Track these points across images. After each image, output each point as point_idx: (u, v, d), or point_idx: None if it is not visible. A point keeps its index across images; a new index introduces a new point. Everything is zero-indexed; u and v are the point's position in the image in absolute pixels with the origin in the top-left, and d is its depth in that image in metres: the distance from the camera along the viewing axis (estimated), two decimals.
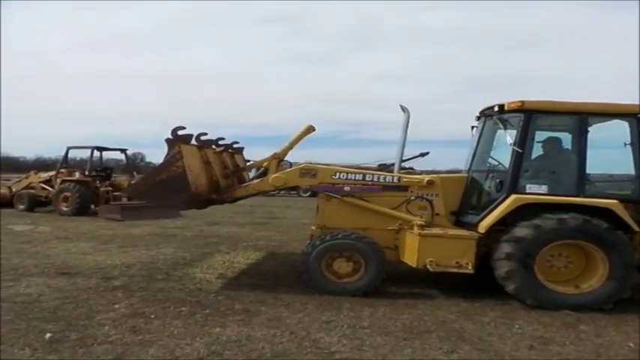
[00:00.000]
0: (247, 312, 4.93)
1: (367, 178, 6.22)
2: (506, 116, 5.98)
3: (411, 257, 5.83)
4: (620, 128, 5.96)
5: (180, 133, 5.63)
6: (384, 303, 5.41)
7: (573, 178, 5.71)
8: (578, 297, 5.44)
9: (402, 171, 6.90)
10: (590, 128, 5.92)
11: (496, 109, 6.07)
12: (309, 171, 6.22)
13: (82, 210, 13.61)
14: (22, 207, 14.52)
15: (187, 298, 5.34)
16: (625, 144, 5.83)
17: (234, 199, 6.65)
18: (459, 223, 6.24)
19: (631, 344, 4.34)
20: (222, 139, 7.17)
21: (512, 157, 5.79)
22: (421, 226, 5.83)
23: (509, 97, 5.96)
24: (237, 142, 7.75)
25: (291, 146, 6.60)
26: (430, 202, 6.16)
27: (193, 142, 6.00)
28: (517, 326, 4.78)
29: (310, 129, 6.61)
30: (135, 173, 16.33)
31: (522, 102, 5.75)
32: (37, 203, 14.66)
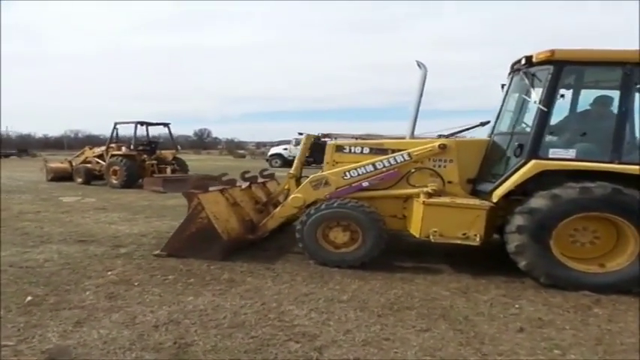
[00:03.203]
0: (232, 282, 4.84)
1: (379, 166, 5.77)
2: (533, 69, 5.24)
3: (415, 227, 5.42)
4: None
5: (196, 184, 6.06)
6: (379, 276, 5.09)
7: (608, 142, 4.94)
8: (602, 277, 4.77)
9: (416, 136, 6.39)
10: None
11: (523, 61, 5.36)
12: (319, 181, 5.89)
13: (130, 182, 14.31)
14: (80, 180, 15.55)
15: (180, 267, 5.34)
16: None
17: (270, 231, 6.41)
18: (476, 192, 5.69)
19: None
20: (248, 172, 7.17)
21: (536, 117, 5.11)
22: (428, 195, 5.38)
23: None
24: (266, 170, 7.90)
25: (300, 161, 6.41)
26: (436, 170, 5.66)
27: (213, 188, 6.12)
28: (517, 306, 4.29)
29: (310, 137, 6.40)
30: (179, 147, 16.81)
31: (552, 51, 4.99)
32: (93, 176, 15.61)
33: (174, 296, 4.36)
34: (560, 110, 5.39)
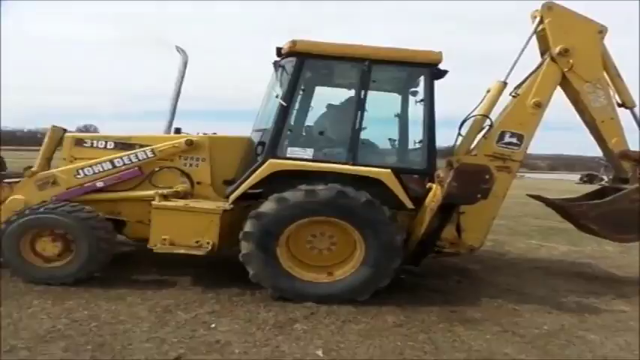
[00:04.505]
0: None
1: (117, 164, 4.96)
2: (283, 61, 4.84)
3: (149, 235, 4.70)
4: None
5: None
6: (86, 295, 4.30)
7: (345, 142, 4.66)
8: (329, 286, 4.44)
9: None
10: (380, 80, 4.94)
11: (276, 53, 4.92)
12: (46, 179, 4.92)
13: None
14: None
15: None
16: (416, 101, 4.81)
17: None
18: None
19: (320, 353, 3.35)
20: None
21: (276, 113, 4.68)
22: (162, 197, 4.71)
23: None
24: (30, 167, 6.00)
25: (45, 157, 5.25)
26: (183, 170, 5.03)
27: None
28: (213, 326, 3.75)
29: (57, 130, 5.30)
30: None
31: (294, 42, 4.62)
32: None
33: None
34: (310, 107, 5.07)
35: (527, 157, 5.42)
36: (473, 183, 4.11)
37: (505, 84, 5.21)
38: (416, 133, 4.90)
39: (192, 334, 3.55)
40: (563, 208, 5.57)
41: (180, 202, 4.71)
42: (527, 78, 5.20)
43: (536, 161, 74.73)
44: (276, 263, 4.37)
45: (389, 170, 4.46)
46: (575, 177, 40.97)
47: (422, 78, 4.75)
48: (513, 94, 5.24)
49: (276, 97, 4.72)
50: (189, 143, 5.01)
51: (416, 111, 4.78)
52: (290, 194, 4.33)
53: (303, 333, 3.68)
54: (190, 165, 5.09)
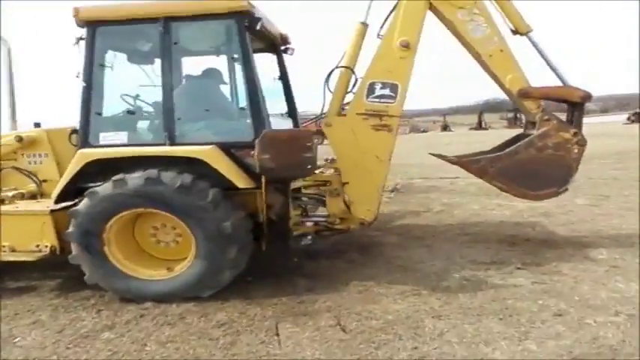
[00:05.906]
0: None
1: None
2: (82, 34, 4.26)
3: None
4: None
5: None
6: None
7: (159, 120, 4.15)
8: (168, 283, 4.07)
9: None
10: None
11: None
12: None
13: None
14: None
15: None
16: (233, 60, 4.21)
17: None
18: None
19: None
20: None
21: (81, 95, 4.18)
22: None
23: None
24: None
25: None
26: (25, 169, 4.73)
27: None
28: (17, 340, 3.54)
29: None
30: None
31: (77, 9, 4.05)
32: None
33: None
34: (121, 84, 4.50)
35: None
36: (290, 153, 3.54)
37: (366, 25, 4.44)
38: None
39: None
40: (461, 164, 4.76)
41: (8, 206, 4.43)
42: (390, 13, 4.39)
43: (588, 105, 70.25)
44: (106, 263, 4.05)
45: (211, 147, 3.93)
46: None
47: (233, 32, 4.06)
48: (380, 36, 4.46)
49: (77, 76, 4.21)
50: (19, 139, 4.70)
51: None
52: (101, 187, 3.93)
53: (102, 343, 3.38)
54: (35, 163, 4.80)
